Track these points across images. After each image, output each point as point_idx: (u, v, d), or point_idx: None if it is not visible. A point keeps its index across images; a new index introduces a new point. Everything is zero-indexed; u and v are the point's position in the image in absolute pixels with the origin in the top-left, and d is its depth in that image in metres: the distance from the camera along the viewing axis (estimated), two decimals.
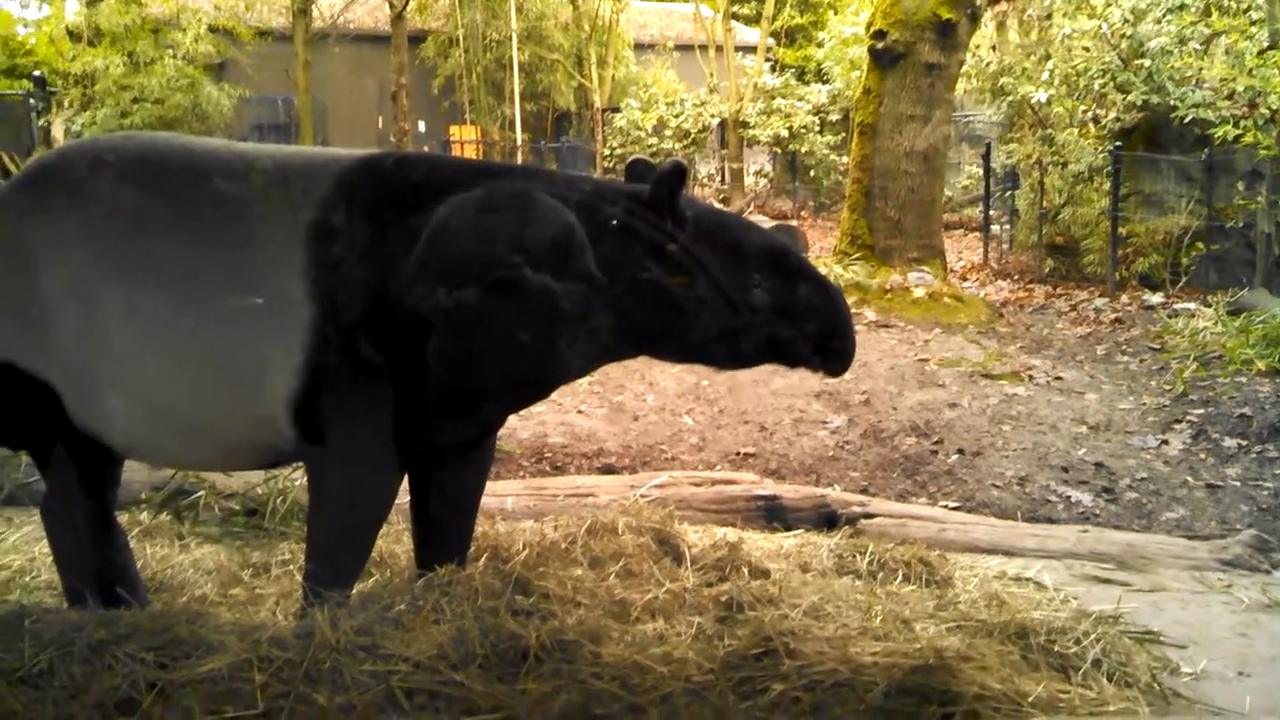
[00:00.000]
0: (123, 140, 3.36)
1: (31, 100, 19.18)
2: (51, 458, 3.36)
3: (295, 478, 4.58)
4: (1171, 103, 12.19)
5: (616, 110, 25.21)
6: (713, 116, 24.21)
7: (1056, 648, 3.16)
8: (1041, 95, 14.40)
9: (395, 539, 3.93)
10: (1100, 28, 13.53)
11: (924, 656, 2.87)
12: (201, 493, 4.63)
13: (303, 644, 2.80)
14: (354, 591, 3.17)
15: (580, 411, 7.43)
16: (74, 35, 22.78)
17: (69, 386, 3.09)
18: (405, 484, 3.29)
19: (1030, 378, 8.57)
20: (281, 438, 3.06)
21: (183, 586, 3.77)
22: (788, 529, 4.67)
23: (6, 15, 27.67)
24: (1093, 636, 3.23)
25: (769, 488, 5.08)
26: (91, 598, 3.24)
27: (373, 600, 3.07)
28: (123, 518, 4.42)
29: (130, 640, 2.84)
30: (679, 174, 2.96)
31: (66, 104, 19.98)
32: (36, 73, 20.98)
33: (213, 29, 22.70)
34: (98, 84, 20.56)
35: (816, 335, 3.06)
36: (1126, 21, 13.11)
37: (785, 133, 22.95)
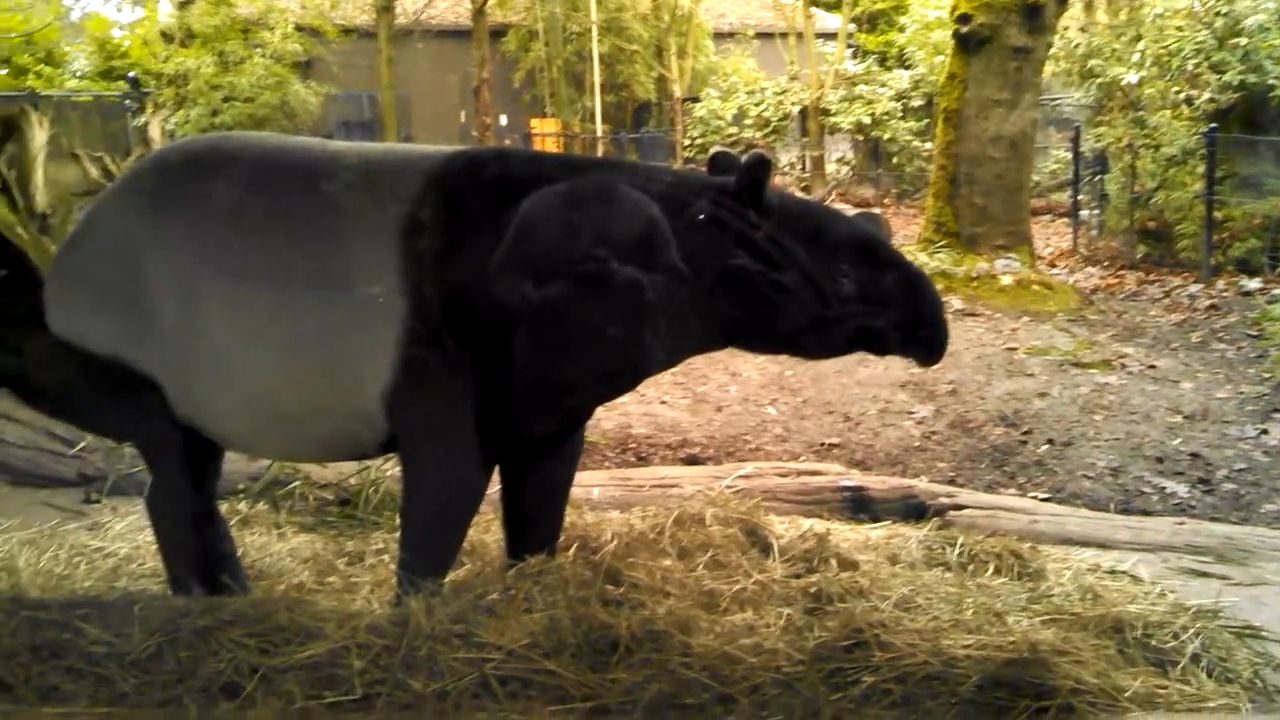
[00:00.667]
0: (221, 140, 3.46)
1: (127, 101, 19.71)
2: (155, 449, 3.48)
3: (387, 468, 4.67)
4: (1269, 82, 11.80)
5: (696, 100, 25.12)
6: (793, 104, 24.00)
7: (1154, 642, 3.11)
8: (1132, 77, 14.03)
9: (484, 529, 3.98)
10: (1194, 6, 13.15)
11: (1017, 649, 2.85)
12: (297, 483, 4.74)
13: (399, 631, 2.87)
14: (447, 580, 3.23)
15: (664, 402, 7.45)
16: (167, 37, 23.36)
17: (172, 380, 3.20)
18: (496, 474, 3.34)
19: (1122, 366, 8.39)
20: (375, 429, 3.13)
21: (280, 574, 3.86)
22: (874, 520, 4.64)
23: (102, 20, 28.40)
24: (1191, 631, 3.17)
25: (855, 479, 5.06)
26: (195, 585, 3.35)
27: (466, 589, 3.13)
28: (221, 507, 4.56)
29: (234, 626, 2.93)
30: (763, 165, 2.97)
31: (160, 104, 20.50)
32: (131, 74, 21.53)
33: (299, 28, 23.12)
34: (190, 84, 21.08)
35: (906, 325, 3.03)
36: None
37: (867, 119, 22.67)
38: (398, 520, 4.17)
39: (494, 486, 3.36)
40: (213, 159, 3.26)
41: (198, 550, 3.43)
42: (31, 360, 4.47)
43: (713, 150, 3.34)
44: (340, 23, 24.78)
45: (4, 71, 24.67)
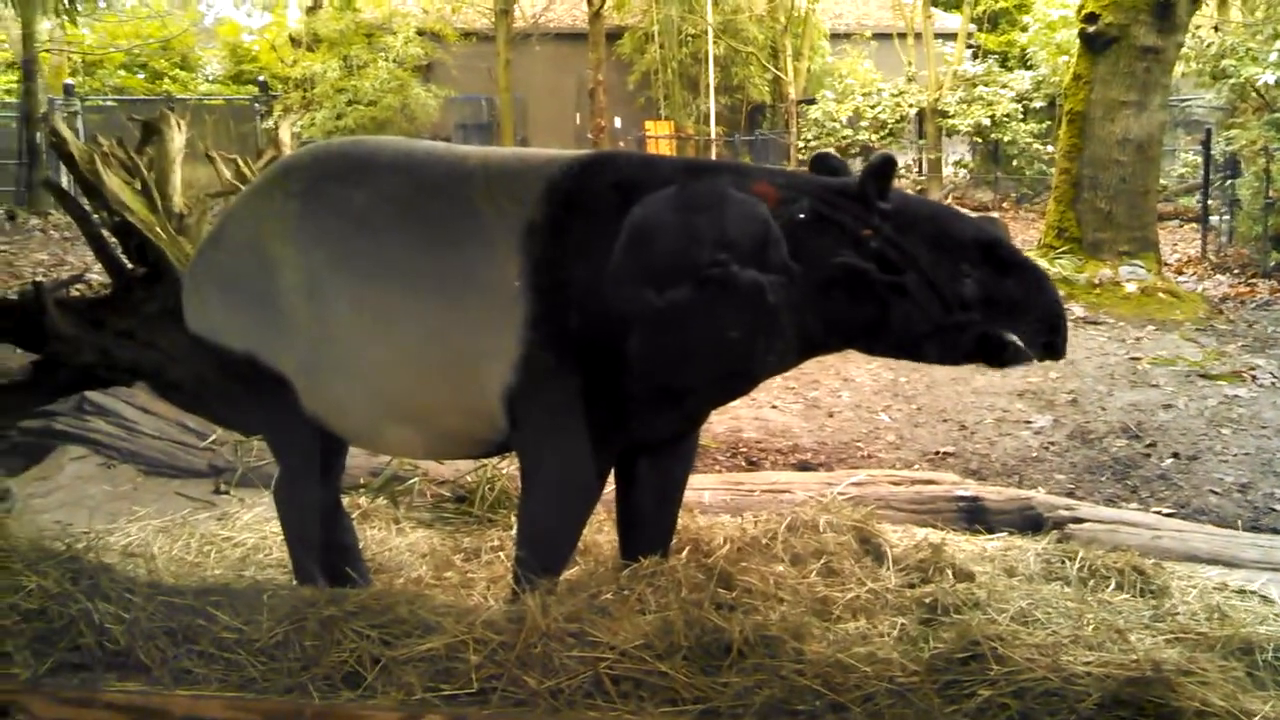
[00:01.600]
0: (352, 145, 3.57)
1: (256, 104, 20.39)
2: (283, 443, 3.60)
3: (503, 467, 4.75)
4: None
5: (811, 102, 24.96)
6: (910, 106, 23.69)
7: None
8: (1269, 76, 13.51)
9: (598, 529, 4.02)
10: None
11: (1140, 668, 2.77)
12: (415, 479, 4.85)
13: (515, 628, 2.92)
14: (561, 579, 3.28)
15: (774, 407, 7.43)
16: (294, 41, 24.10)
17: (301, 377, 3.31)
18: (611, 476, 3.38)
19: (1253, 378, 8.09)
20: (495, 429, 3.19)
21: (399, 568, 3.97)
22: (990, 532, 4.56)
23: (233, 25, 29.45)
24: None
25: (970, 488, 4.97)
26: (319, 576, 3.47)
27: (580, 588, 3.17)
28: (343, 501, 4.71)
29: (357, 618, 3.02)
30: (890, 165, 2.96)
31: (288, 107, 21.15)
32: (260, 78, 22.26)
33: (420, 32, 23.68)
34: (316, 87, 21.72)
35: (1032, 330, 2.99)
36: None
37: (986, 121, 22.25)
38: (513, 518, 4.27)
39: (608, 488, 3.41)
40: (344, 163, 3.37)
41: (322, 542, 3.55)
42: (167, 355, 4.68)
43: (816, 152, 3.35)
44: (460, 27, 25.30)
45: (141, 76, 25.71)
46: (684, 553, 3.52)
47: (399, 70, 22.62)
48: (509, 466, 4.73)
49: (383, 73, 22.16)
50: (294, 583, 3.55)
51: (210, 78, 28.69)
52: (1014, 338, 2.97)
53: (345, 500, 4.52)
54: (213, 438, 5.30)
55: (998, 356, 3.04)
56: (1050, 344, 3.04)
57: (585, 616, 2.94)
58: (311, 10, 23.85)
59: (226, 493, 4.99)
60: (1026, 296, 3.01)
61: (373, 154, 3.39)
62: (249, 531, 4.32)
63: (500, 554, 4.00)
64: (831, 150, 3.44)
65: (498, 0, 23.41)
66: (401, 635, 2.97)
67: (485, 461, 4.72)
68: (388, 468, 4.93)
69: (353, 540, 3.73)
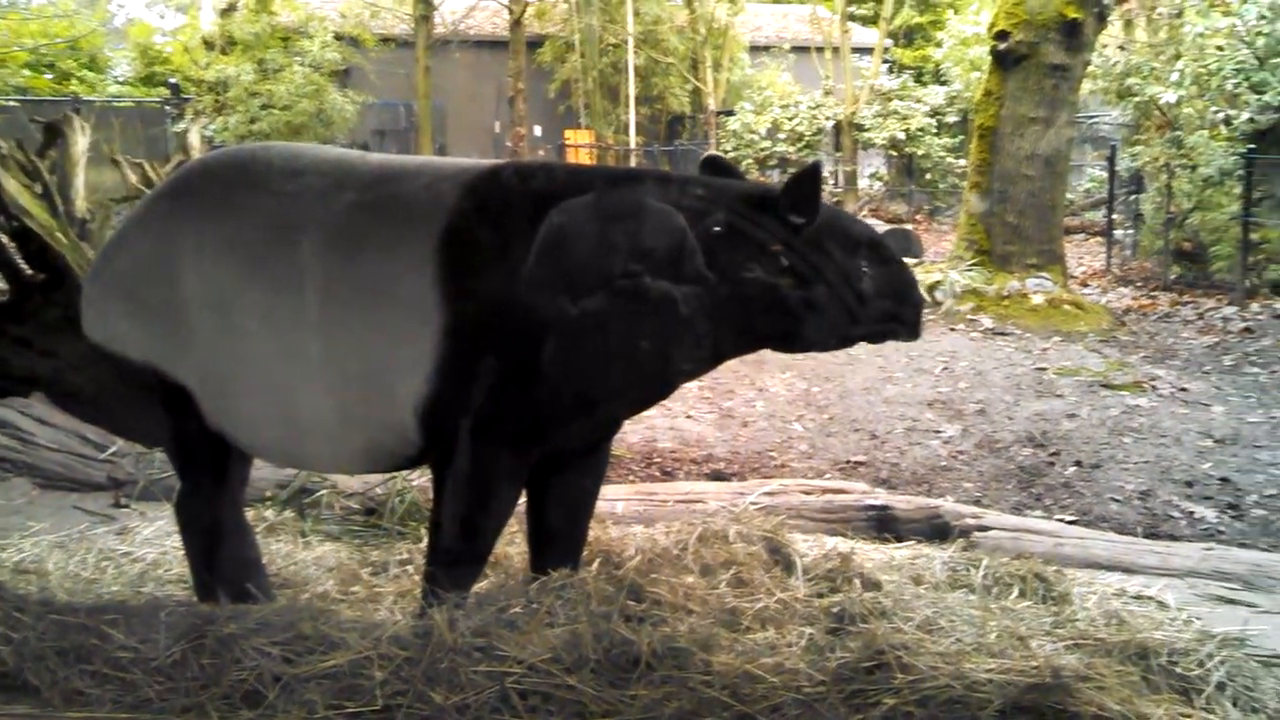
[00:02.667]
0: (262, 150, 3.50)
1: (167, 107, 19.96)
2: (185, 456, 3.51)
3: (413, 478, 4.70)
4: None
5: (730, 114, 25.15)
6: (827, 119, 23.99)
7: (1179, 669, 3.07)
8: (1170, 96, 13.94)
9: (509, 541, 4.00)
10: (1234, 25, 13.04)
11: (1041, 675, 2.83)
12: (324, 492, 4.77)
13: (421, 643, 2.88)
14: (471, 593, 3.24)
15: (689, 416, 7.46)
16: (208, 44, 23.64)
17: (205, 389, 3.24)
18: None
19: (1153, 388, 8.32)
20: (408, 442, 3.15)
21: (305, 583, 3.90)
22: (899, 540, 4.62)
23: (145, 26, 28.84)
24: (1217, 659, 3.13)
25: (880, 498, 5.03)
26: (221, 592, 3.39)
27: (489, 602, 3.14)
28: (248, 514, 4.60)
29: (258, 634, 2.96)
30: (816, 176, 3.05)
31: (200, 111, 20.76)
32: (172, 80, 21.81)
33: (338, 36, 23.38)
34: (230, 91, 21.32)
35: (908, 312, 3.22)
36: (1263, 19, 12.60)
37: (901, 135, 22.63)
38: (423, 531, 4.22)
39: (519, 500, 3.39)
40: (254, 168, 3.30)
41: (224, 557, 3.46)
42: (66, 364, 4.53)
43: (705, 155, 3.43)
44: (379, 32, 25.05)
45: (48, 76, 25.03)
46: (594, 565, 3.51)
47: (315, 75, 22.28)
48: (419, 479, 4.68)
49: (298, 77, 21.81)
50: (194, 599, 3.47)
51: (120, 79, 28.04)
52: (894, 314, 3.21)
53: (250, 514, 4.45)
54: (113, 449, 5.17)
55: (884, 336, 3.26)
56: (915, 324, 3.26)
57: (493, 631, 2.92)
58: (226, 12, 23.40)
59: (127, 506, 4.86)
60: (901, 287, 3.21)
61: (285, 160, 3.33)
62: (149, 546, 4.21)
63: (409, 568, 3.95)
64: (719, 154, 3.52)
65: (417, 5, 23.25)
66: (304, 652, 2.92)
67: (395, 473, 4.66)
68: (295, 480, 4.84)
69: (256, 555, 3.64)
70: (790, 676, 2.81)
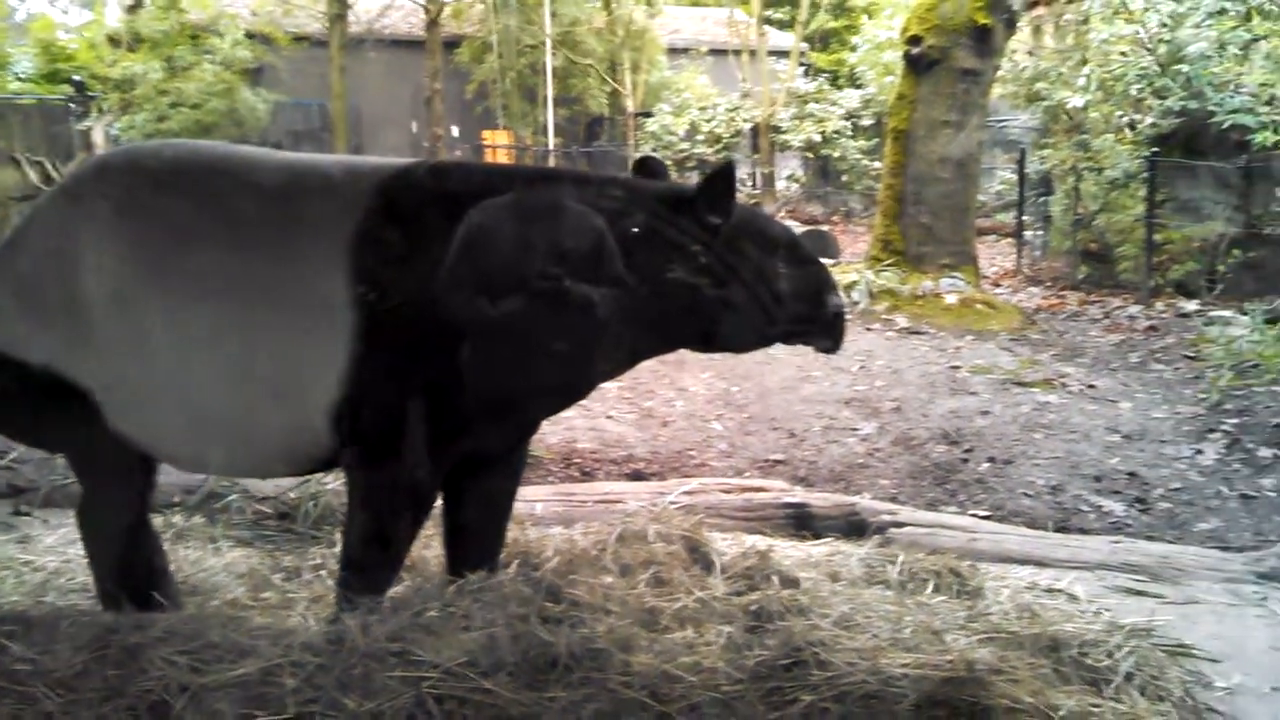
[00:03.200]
0: (165, 148, 3.40)
1: (71, 105, 19.40)
2: (87, 462, 3.41)
3: (327, 481, 4.62)
4: (1210, 108, 12.02)
5: (649, 115, 25.19)
6: (745, 121, 24.15)
7: (1089, 661, 3.14)
8: (1077, 100, 14.27)
9: (425, 544, 3.94)
10: (1138, 33, 13.40)
11: (955, 669, 2.86)
12: (235, 496, 4.67)
13: (334, 649, 2.82)
14: (386, 597, 3.19)
15: (609, 417, 7.44)
16: (114, 41, 23.04)
17: (107, 393, 3.13)
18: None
19: (1063, 385, 8.50)
20: (320, 445, 3.08)
21: (215, 589, 3.80)
22: (817, 537, 4.65)
23: (48, 21, 27.95)
24: (1125, 650, 3.21)
25: (798, 495, 5.07)
26: (126, 600, 3.29)
27: (404, 606, 3.08)
28: (156, 520, 4.47)
29: (164, 643, 2.87)
30: (729, 175, 3.04)
31: (106, 109, 20.23)
32: (76, 77, 21.19)
33: (250, 34, 22.94)
34: (137, 89, 20.82)
35: (825, 313, 3.20)
36: (1165, 26, 12.96)
37: (818, 137, 22.86)
38: (337, 535, 4.14)
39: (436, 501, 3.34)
40: (158, 166, 3.20)
41: (129, 565, 3.37)
42: None
43: (640, 156, 3.42)
44: (292, 30, 24.60)
45: None
46: (512, 566, 3.48)
47: (226, 73, 21.83)
48: (334, 482, 4.60)
49: (208, 75, 21.37)
50: (98, 608, 3.36)
51: (21, 76, 27.17)
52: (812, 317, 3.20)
53: (159, 519, 4.34)
54: (12, 455, 5.00)
55: (802, 338, 3.25)
56: (838, 330, 3.25)
57: (408, 635, 2.87)
58: (133, 9, 22.82)
59: (28, 514, 4.70)
60: (819, 288, 3.20)
61: (192, 158, 3.24)
62: (51, 555, 4.08)
63: (322, 572, 3.88)
64: (654, 155, 3.50)
65: (331, 4, 22.91)
66: (213, 661, 2.83)
67: (309, 476, 4.57)
68: (204, 484, 4.73)
69: (162, 562, 3.54)
70: (709, 675, 2.81)
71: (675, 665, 2.84)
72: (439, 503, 3.34)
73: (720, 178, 3.04)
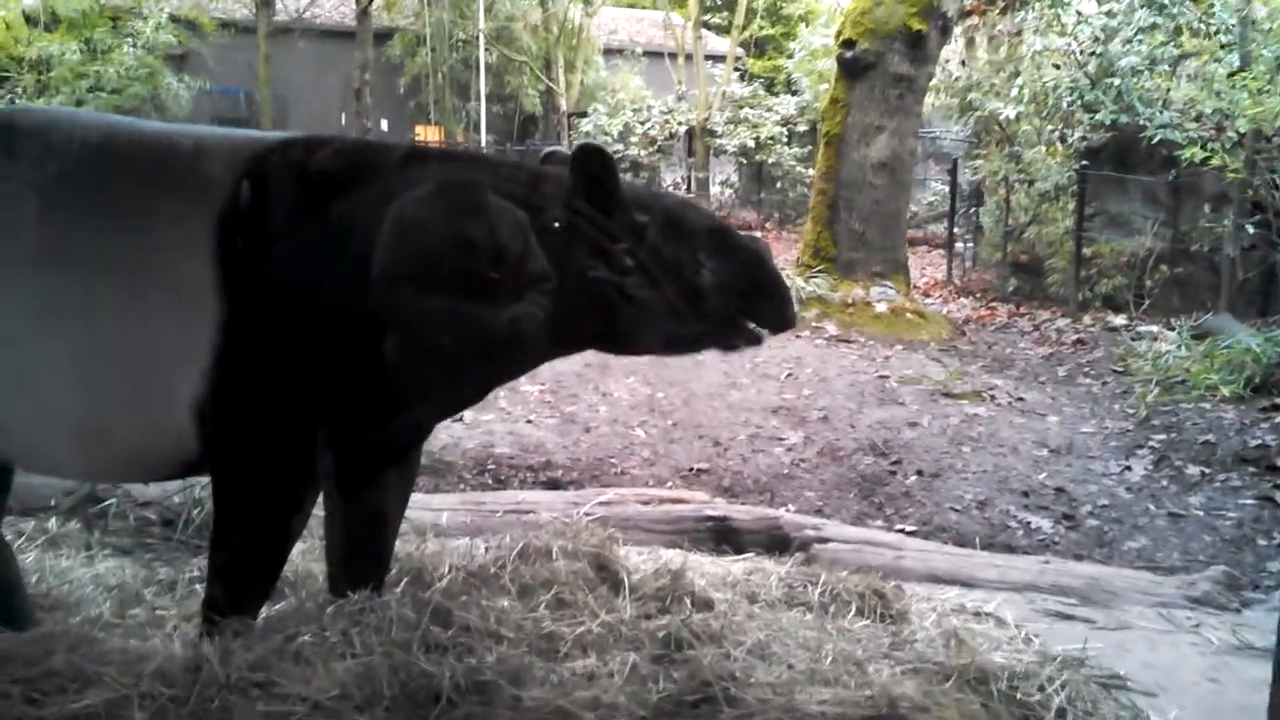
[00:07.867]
0: (22, 114, 3.10)
1: None
2: None
3: None
4: (1140, 123, 12.06)
5: (583, 115, 24.92)
6: (680, 124, 23.97)
7: (1019, 695, 2.93)
8: (1010, 112, 14.29)
9: (315, 556, 3.63)
10: (1069, 46, 13.43)
11: (876, 706, 2.64)
12: (113, 500, 4.32)
13: (191, 679, 2.52)
14: (259, 618, 2.89)
15: (529, 421, 7.17)
16: (30, 20, 22.22)
17: None
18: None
19: (991, 398, 8.40)
20: (184, 447, 2.76)
21: (78, 605, 3.47)
22: (738, 551, 4.42)
23: None
24: (1058, 682, 3.00)
25: (720, 508, 4.84)
26: None
27: (275, 629, 2.79)
28: (28, 525, 4.13)
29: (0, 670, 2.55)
30: (593, 158, 2.74)
31: (20, 90, 19.50)
32: None
33: (174, 18, 22.27)
34: (53, 71, 20.10)
35: (761, 308, 2.89)
36: (1096, 40, 12.99)
37: (752, 143, 22.74)
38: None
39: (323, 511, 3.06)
40: (12, 135, 2.88)
41: None
42: None
43: (546, 149, 3.13)
44: (218, 16, 24.00)
45: None
46: (401, 585, 3.19)
47: (149, 57, 21.14)
48: None
49: (130, 59, 20.68)
50: None
51: None
52: (747, 321, 2.87)
53: (30, 524, 4.02)
54: None
55: (733, 343, 2.94)
56: (780, 316, 2.93)
57: (275, 664, 2.57)
58: None
59: None
60: (753, 277, 2.87)
61: (43, 125, 2.91)
62: None
63: (198, 587, 3.55)
64: (560, 148, 3.23)
65: None
66: (54, 690, 2.52)
67: (193, 480, 4.24)
68: (82, 486, 4.37)
69: (13, 573, 3.21)
70: (607, 712, 2.55)
71: (570, 700, 2.57)
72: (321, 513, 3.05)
73: (589, 157, 2.73)
